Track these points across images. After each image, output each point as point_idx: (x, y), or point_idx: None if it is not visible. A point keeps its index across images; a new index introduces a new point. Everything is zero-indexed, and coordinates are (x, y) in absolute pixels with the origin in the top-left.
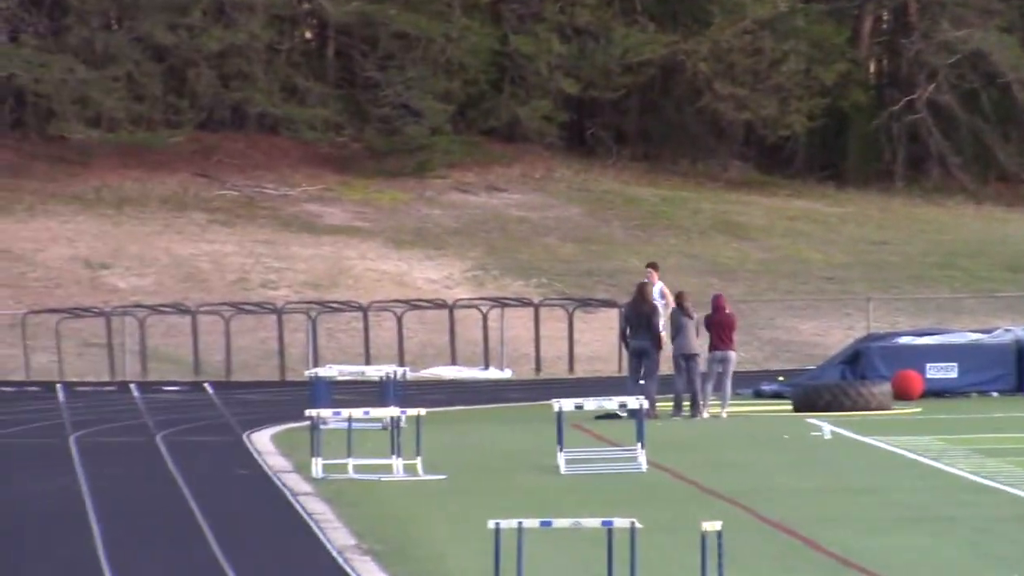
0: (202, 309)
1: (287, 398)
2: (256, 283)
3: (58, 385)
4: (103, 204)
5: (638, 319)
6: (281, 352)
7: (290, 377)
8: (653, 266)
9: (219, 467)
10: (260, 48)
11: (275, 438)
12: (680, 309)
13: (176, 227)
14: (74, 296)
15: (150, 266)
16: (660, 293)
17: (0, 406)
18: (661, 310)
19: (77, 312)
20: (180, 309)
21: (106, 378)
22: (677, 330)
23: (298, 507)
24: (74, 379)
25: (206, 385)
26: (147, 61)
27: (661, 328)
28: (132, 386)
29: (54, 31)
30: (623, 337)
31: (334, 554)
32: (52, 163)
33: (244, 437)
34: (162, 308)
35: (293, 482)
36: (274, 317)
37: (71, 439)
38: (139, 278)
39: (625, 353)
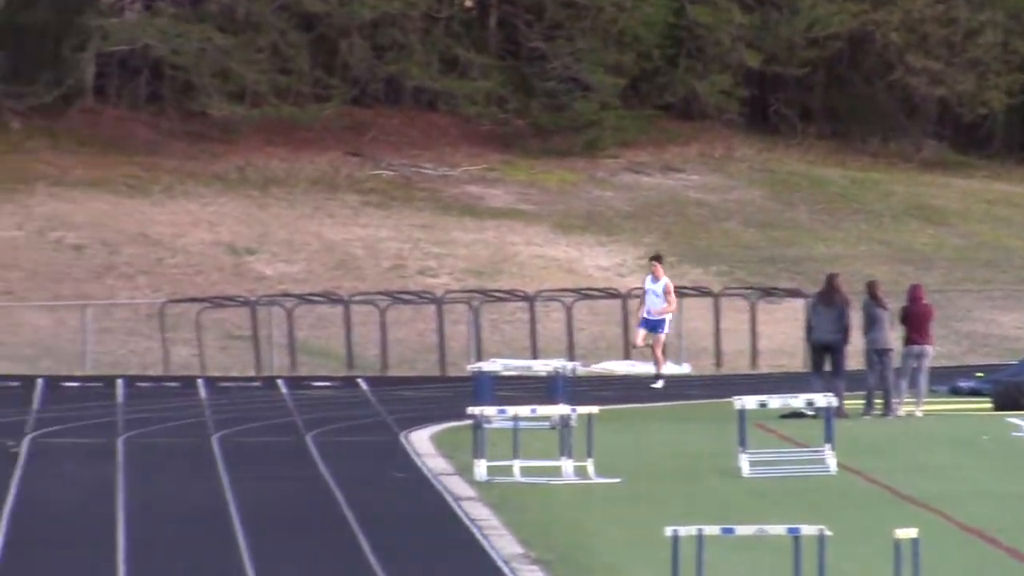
0: (355, 299)
1: (447, 395)
2: (414, 270)
3: (199, 380)
4: (247, 185)
5: (828, 311)
6: (441, 345)
7: (451, 372)
8: (657, 259)
9: (374, 469)
10: (416, 17)
11: (435, 438)
12: (873, 300)
13: (327, 210)
14: (216, 284)
15: (299, 252)
16: (664, 290)
17: (138, 403)
18: (668, 305)
19: (220, 301)
20: (331, 298)
21: (251, 373)
22: (871, 323)
23: (460, 513)
24: (217, 374)
25: (360, 381)
26: (294, 30)
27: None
28: (279, 381)
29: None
30: (809, 330)
31: (499, 563)
32: (192, 140)
33: (401, 437)
34: (312, 297)
35: (454, 485)
36: (433, 307)
37: (214, 439)
38: (287, 265)
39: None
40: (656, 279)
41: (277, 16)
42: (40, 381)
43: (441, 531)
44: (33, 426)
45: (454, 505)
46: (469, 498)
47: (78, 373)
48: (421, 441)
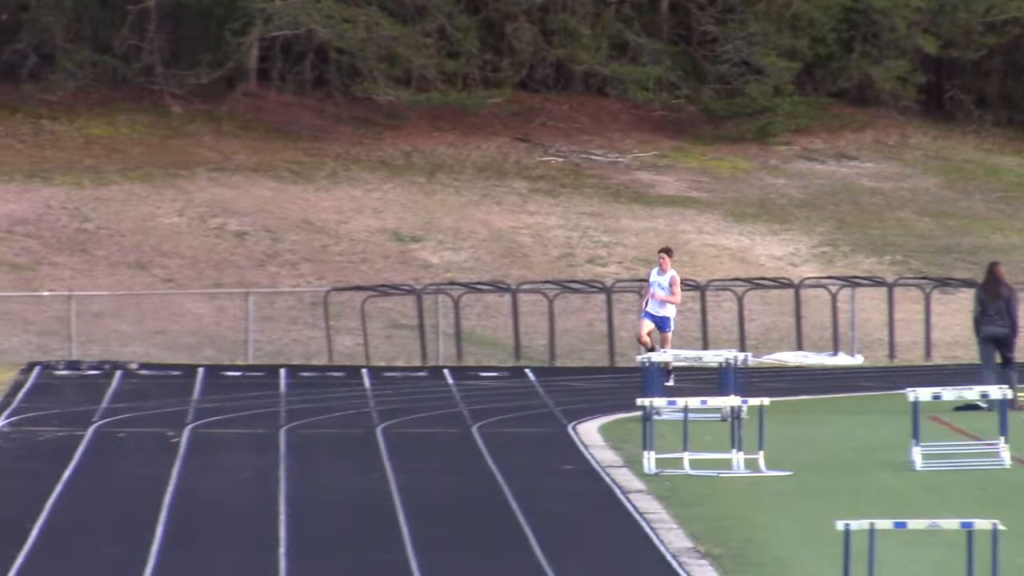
0: (523, 287)
1: (616, 385)
2: (582, 259)
3: (363, 370)
4: (413, 171)
5: (994, 302)
6: (610, 335)
7: (620, 363)
8: (666, 251)
9: (542, 461)
10: (586, 1)
11: (603, 429)
12: None
13: (494, 196)
14: (381, 272)
15: (465, 239)
16: (670, 282)
17: (302, 393)
18: (673, 296)
19: (385, 290)
20: (499, 287)
21: (417, 363)
22: None
23: (628, 506)
24: (381, 363)
25: (527, 371)
26: (461, 14)
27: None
28: (445, 371)
29: None
30: (976, 323)
31: (668, 558)
32: (357, 125)
33: (569, 428)
34: (479, 286)
35: (623, 478)
36: (602, 296)
37: (378, 430)
38: (453, 252)
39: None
40: (663, 272)
41: None
42: (201, 370)
43: (609, 524)
44: (193, 416)
45: (622, 498)
46: (638, 491)
47: (240, 362)
48: (589, 433)
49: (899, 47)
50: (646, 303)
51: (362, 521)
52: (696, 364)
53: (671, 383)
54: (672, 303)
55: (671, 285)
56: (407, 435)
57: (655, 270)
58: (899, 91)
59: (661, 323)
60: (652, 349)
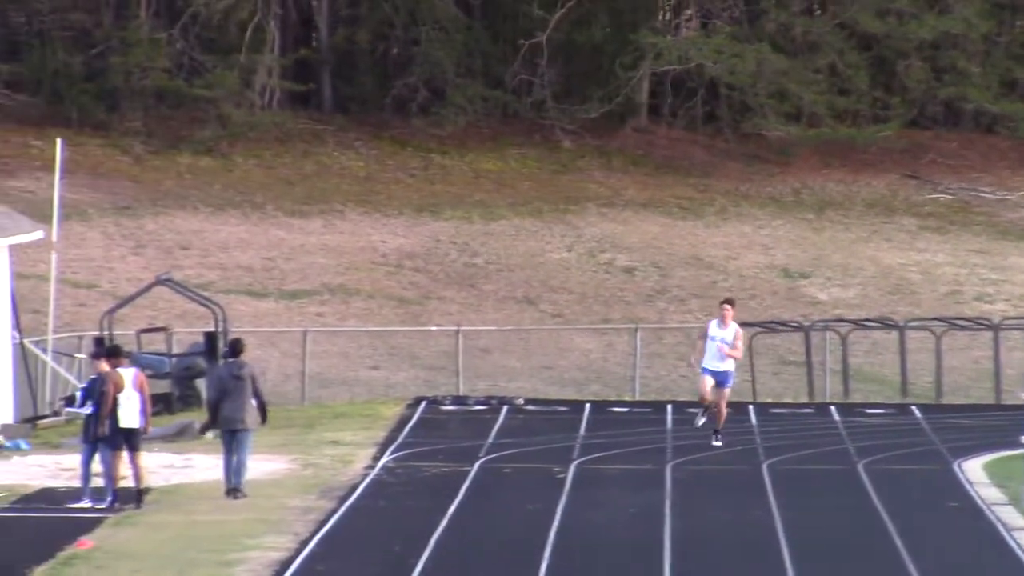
0: (911, 324)
1: (1003, 422)
2: (970, 296)
3: (749, 406)
4: (802, 207)
5: None
6: (996, 372)
7: (1006, 400)
8: (730, 302)
9: (927, 499)
10: (976, 38)
11: (988, 467)
12: None
13: (883, 233)
14: (770, 308)
15: (854, 276)
16: (734, 336)
17: (686, 429)
18: (735, 351)
19: (773, 326)
20: (886, 324)
21: (804, 399)
22: None
23: (1012, 544)
24: (768, 399)
25: (913, 408)
26: (852, 50)
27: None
28: (832, 408)
29: (749, 17)
30: None
31: None
32: (746, 162)
33: (954, 466)
34: (867, 323)
35: (1008, 516)
36: (989, 334)
37: (763, 465)
38: (842, 289)
39: None
40: (723, 325)
41: (835, 35)
42: (587, 406)
43: (993, 563)
44: (579, 452)
45: (1006, 535)
46: (1021, 528)
47: (627, 398)
48: (974, 470)
49: None
50: (700, 360)
51: (747, 557)
52: None
53: (718, 443)
54: (735, 357)
55: (734, 339)
56: (793, 471)
57: (715, 322)
58: None
59: (722, 378)
60: (708, 408)
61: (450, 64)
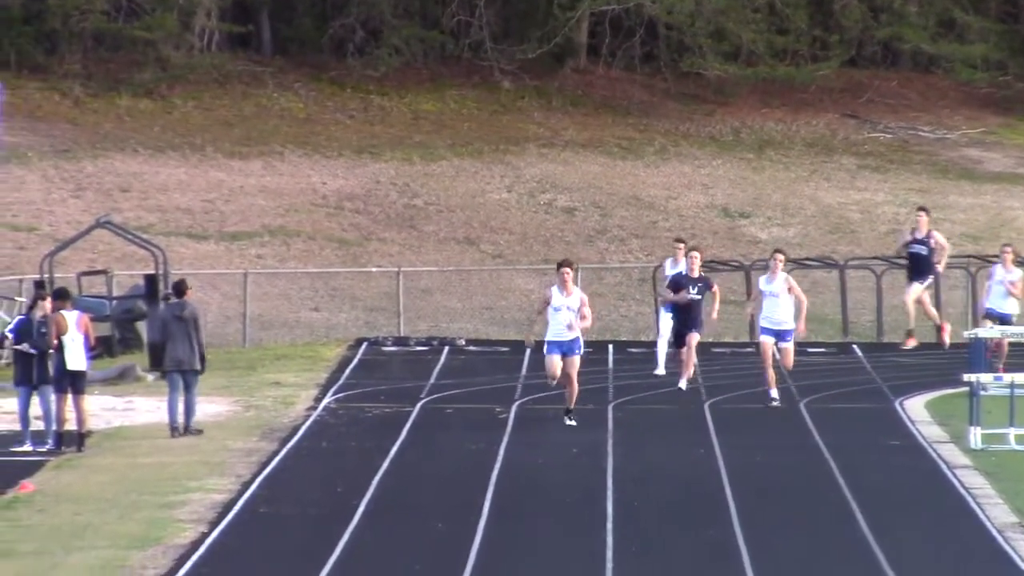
0: (851, 263)
1: (943, 361)
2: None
3: None
4: (742, 147)
5: None
6: (937, 310)
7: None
8: (780, 252)
9: (868, 437)
10: None
11: (929, 405)
12: None
13: (823, 173)
14: (710, 248)
15: (794, 216)
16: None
17: (629, 368)
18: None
19: (713, 265)
20: (827, 263)
21: (744, 339)
22: None
23: (954, 481)
24: (709, 339)
25: (854, 347)
26: None
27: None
28: None
29: None
30: None
31: (993, 533)
32: (685, 102)
33: (896, 404)
34: (807, 262)
35: (949, 454)
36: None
37: (705, 405)
38: (782, 228)
39: None
40: (772, 278)
41: None
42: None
43: (934, 500)
44: (521, 392)
45: (948, 473)
46: (963, 466)
47: None
48: (916, 408)
49: None
50: (762, 317)
51: (687, 495)
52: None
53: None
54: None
55: (793, 293)
56: (733, 411)
57: (764, 278)
58: None
59: (785, 335)
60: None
61: (387, 5)
